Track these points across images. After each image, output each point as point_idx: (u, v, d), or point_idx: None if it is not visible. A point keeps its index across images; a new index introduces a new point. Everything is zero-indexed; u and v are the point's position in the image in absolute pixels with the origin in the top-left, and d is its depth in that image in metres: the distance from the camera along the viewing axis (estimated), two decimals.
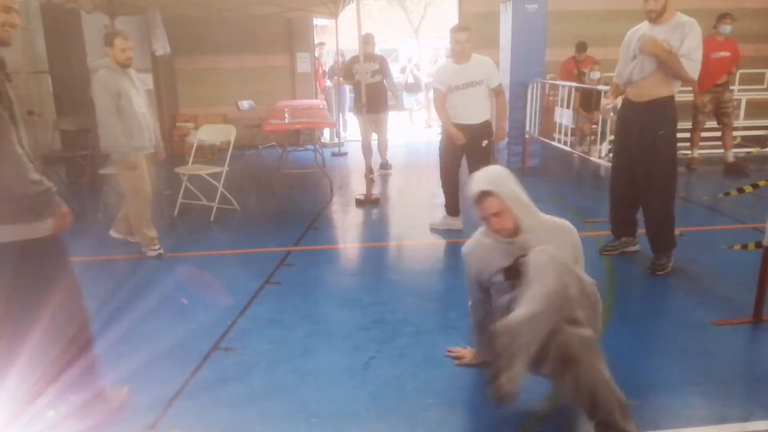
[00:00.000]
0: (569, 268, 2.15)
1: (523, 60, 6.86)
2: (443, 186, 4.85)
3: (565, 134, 6.91)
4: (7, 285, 2.01)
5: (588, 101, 6.97)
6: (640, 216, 3.95)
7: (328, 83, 10.26)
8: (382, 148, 7.24)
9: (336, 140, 9.38)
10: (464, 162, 4.72)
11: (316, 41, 10.22)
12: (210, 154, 8.30)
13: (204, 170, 5.50)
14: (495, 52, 6.56)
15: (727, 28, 6.25)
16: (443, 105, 4.61)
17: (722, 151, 6.74)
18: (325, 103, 9.12)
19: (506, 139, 6.69)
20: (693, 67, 3.49)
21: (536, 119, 7.02)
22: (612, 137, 5.10)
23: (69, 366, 2.18)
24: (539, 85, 6.93)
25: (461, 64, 4.54)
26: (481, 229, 2.44)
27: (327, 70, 10.48)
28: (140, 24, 8.06)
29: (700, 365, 2.68)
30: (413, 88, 13.45)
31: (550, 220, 2.40)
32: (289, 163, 7.50)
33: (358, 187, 6.36)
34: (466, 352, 2.74)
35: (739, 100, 7.80)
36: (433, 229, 4.90)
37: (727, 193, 4.37)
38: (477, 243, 2.46)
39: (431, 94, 10.38)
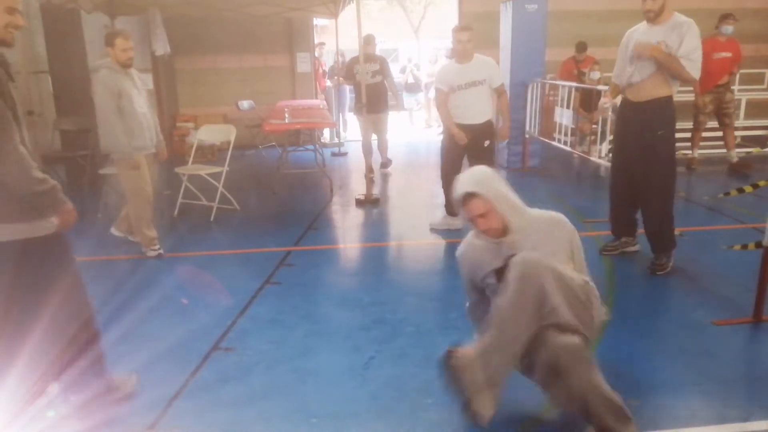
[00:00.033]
0: (551, 270, 2.10)
1: (523, 60, 6.87)
2: (444, 186, 4.84)
3: (565, 134, 6.90)
4: (7, 285, 2.01)
5: (588, 101, 6.98)
6: (639, 216, 3.95)
7: (328, 83, 10.26)
8: (382, 148, 7.25)
9: (336, 140, 9.38)
10: (465, 162, 4.72)
11: (316, 41, 10.22)
12: (210, 154, 8.30)
13: (204, 170, 5.50)
14: (495, 52, 6.55)
15: (729, 28, 6.25)
16: (445, 105, 4.61)
17: (723, 151, 6.74)
18: (325, 103, 9.12)
19: (508, 139, 6.70)
20: (693, 67, 3.48)
21: (536, 119, 7.02)
22: (612, 137, 5.10)
23: (73, 362, 2.18)
24: (539, 85, 6.93)
25: (463, 63, 4.55)
26: (473, 230, 2.42)
27: (327, 70, 10.48)
28: (140, 24, 8.06)
29: (700, 365, 2.68)
30: (413, 88, 13.45)
31: (541, 216, 2.33)
32: (289, 163, 7.50)
33: (358, 187, 6.36)
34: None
35: (739, 100, 7.80)
36: (433, 229, 4.90)
37: (727, 193, 4.38)
38: (469, 244, 2.42)
39: (431, 94, 10.36)
